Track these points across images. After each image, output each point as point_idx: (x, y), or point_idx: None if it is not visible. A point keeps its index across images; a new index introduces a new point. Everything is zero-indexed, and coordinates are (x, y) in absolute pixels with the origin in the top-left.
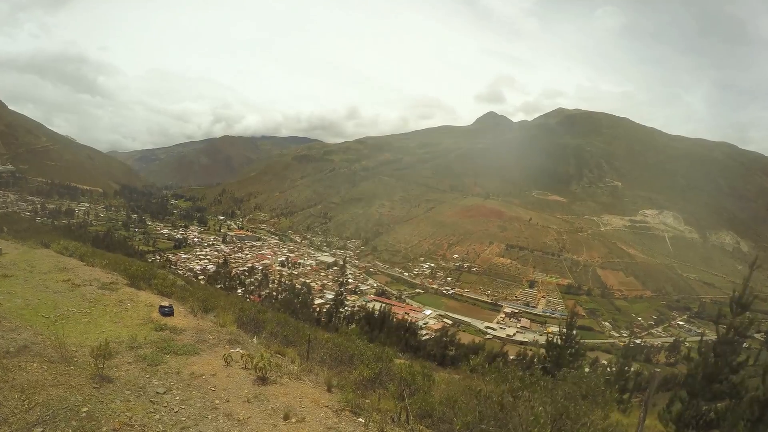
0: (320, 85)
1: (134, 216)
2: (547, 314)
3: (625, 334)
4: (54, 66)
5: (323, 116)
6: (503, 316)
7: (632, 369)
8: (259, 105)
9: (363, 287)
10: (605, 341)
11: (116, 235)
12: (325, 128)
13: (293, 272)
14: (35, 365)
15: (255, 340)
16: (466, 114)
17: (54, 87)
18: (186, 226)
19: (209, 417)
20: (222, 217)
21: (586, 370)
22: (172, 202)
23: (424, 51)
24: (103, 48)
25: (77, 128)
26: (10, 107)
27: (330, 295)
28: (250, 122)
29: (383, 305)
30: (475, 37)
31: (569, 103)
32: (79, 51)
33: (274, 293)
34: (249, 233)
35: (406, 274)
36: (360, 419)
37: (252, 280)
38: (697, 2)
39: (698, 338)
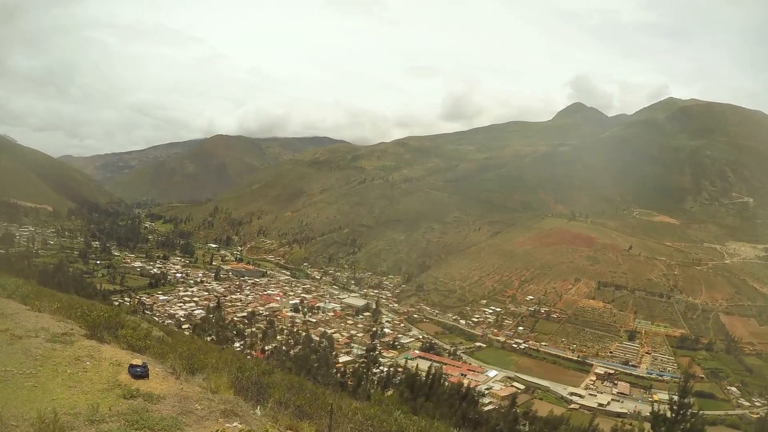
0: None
1: (96, 243)
2: (653, 376)
3: (758, 403)
4: None
5: (346, 111)
6: (594, 378)
7: None
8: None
9: (404, 339)
10: (732, 412)
11: (71, 269)
12: (353, 125)
13: (310, 319)
14: None
15: (258, 412)
16: (544, 105)
17: None
18: (165, 257)
19: None
20: (214, 245)
21: None
22: (147, 224)
23: (485, 21)
24: None
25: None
26: None
27: (359, 351)
28: (252, 117)
29: (432, 364)
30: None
31: (683, 92)
32: None
33: (284, 347)
34: (250, 267)
35: (463, 321)
36: None
37: (254, 329)
38: None
39: None
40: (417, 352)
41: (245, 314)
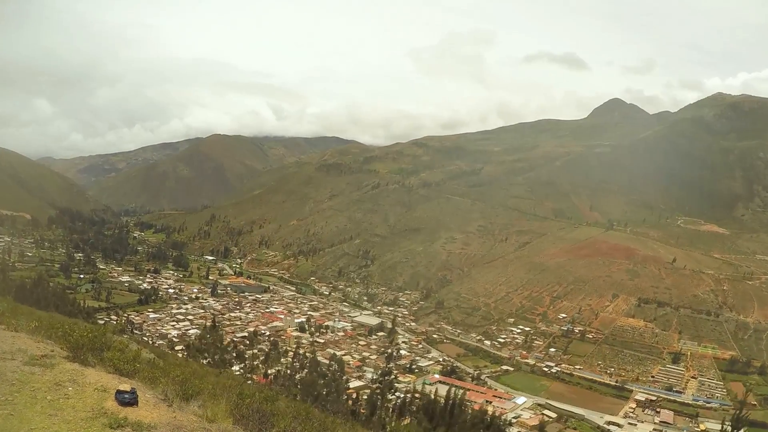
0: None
1: (79, 255)
2: (700, 403)
3: None
4: None
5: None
6: (634, 405)
7: None
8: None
9: (422, 362)
10: None
11: (52, 283)
12: (364, 124)
13: (317, 340)
14: None
15: None
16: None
17: None
18: (157, 271)
19: None
20: (210, 258)
21: None
22: (136, 234)
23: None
24: None
25: None
26: None
27: (373, 375)
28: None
29: (453, 390)
30: None
31: (733, 87)
32: None
33: (289, 371)
34: (251, 281)
35: (488, 342)
36: None
37: (255, 351)
38: None
39: None
40: (437, 376)
41: (245, 334)
